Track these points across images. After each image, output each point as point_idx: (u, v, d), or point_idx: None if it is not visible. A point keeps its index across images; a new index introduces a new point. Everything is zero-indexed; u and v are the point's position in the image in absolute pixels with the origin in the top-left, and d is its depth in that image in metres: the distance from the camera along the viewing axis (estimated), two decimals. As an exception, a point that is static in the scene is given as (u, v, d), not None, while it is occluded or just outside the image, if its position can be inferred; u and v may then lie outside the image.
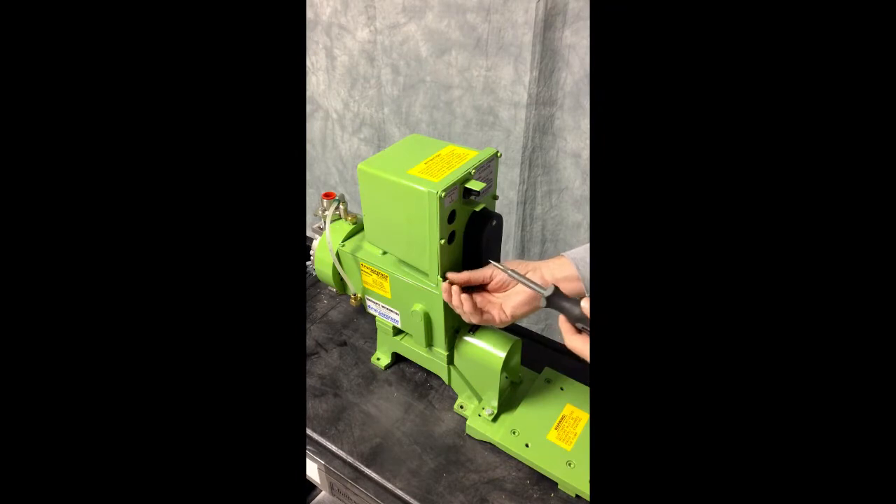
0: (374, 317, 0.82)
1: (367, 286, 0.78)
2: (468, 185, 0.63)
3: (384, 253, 0.74)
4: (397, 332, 0.82)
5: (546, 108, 1.02)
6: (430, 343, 0.75)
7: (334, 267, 0.78)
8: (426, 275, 0.68)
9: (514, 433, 0.72)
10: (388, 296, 0.75)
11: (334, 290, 0.85)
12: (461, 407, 0.77)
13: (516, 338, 0.73)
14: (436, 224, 0.61)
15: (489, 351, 0.71)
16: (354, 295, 0.80)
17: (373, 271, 0.75)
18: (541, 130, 1.05)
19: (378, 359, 0.86)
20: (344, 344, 0.90)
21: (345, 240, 0.78)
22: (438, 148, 0.68)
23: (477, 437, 0.74)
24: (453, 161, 0.64)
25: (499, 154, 0.68)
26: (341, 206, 0.80)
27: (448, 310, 0.70)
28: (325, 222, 0.78)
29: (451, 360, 0.76)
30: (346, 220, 0.80)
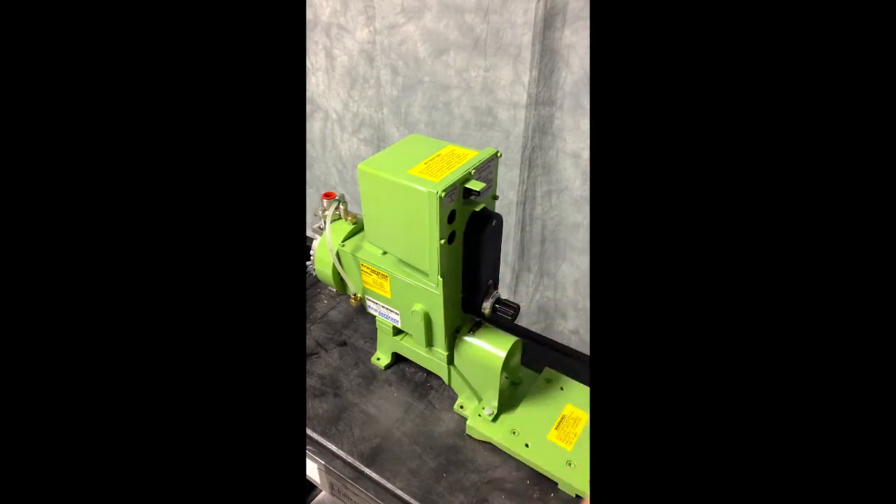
0: (374, 317, 0.82)
1: (367, 286, 0.78)
2: (468, 186, 0.63)
3: (384, 253, 0.74)
4: (397, 332, 0.82)
5: (545, 109, 1.02)
6: (430, 343, 0.75)
7: (334, 267, 0.78)
8: (426, 275, 0.68)
9: (514, 433, 0.72)
10: (388, 296, 0.75)
11: (334, 290, 0.85)
12: (461, 407, 0.77)
13: (516, 338, 0.73)
14: (436, 224, 0.61)
15: (489, 351, 0.71)
16: (354, 295, 0.80)
17: (373, 271, 0.75)
18: (540, 130, 1.05)
19: (378, 359, 0.86)
20: (344, 344, 0.90)
21: (345, 240, 0.78)
22: (438, 148, 0.68)
23: (477, 437, 0.74)
24: (453, 161, 0.64)
25: (499, 154, 0.68)
26: (341, 206, 0.80)
27: (448, 309, 0.70)
28: (325, 222, 0.78)
29: (451, 360, 0.76)
30: (346, 220, 0.80)
